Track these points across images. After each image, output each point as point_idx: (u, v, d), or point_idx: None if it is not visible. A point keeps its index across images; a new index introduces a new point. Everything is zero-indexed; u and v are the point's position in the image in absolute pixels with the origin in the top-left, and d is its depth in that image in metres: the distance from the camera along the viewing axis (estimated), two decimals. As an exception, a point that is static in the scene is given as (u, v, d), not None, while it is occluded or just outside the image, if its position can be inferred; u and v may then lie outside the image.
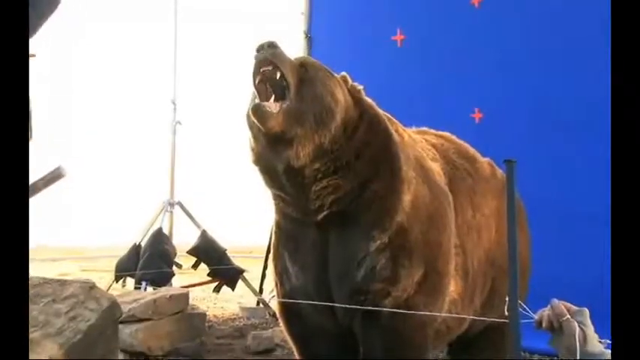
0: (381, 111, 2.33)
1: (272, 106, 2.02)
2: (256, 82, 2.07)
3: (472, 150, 3.05)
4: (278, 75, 2.04)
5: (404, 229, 2.20)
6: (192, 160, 6.15)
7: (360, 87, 2.31)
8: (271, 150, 2.10)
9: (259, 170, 2.24)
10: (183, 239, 5.38)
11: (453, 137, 3.08)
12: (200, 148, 6.48)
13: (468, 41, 4.32)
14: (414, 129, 2.96)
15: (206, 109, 6.43)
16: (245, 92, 2.22)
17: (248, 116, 2.12)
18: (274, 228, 2.41)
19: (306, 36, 5.10)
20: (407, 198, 2.24)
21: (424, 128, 3.10)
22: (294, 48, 4.88)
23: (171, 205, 5.44)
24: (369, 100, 2.32)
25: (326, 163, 2.14)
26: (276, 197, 2.30)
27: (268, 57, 2.03)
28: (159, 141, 5.48)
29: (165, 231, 5.08)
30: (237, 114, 2.24)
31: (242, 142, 2.26)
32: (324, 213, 2.18)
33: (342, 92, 2.19)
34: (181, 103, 5.47)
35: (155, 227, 5.16)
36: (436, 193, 2.41)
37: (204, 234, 5.09)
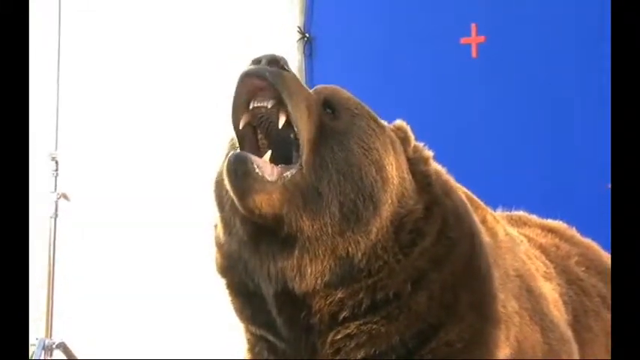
0: (460, 193, 2.25)
1: (265, 166, 1.87)
2: (240, 124, 1.94)
3: (608, 257, 2.86)
4: (282, 120, 1.90)
5: None
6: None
7: (429, 152, 2.20)
8: (255, 250, 1.95)
9: (227, 285, 2.13)
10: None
11: (572, 232, 2.91)
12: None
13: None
14: (502, 213, 2.83)
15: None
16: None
17: (217, 180, 2.04)
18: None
19: (303, 35, 4.82)
20: (504, 352, 2.13)
21: (520, 213, 2.95)
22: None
23: (48, 349, 4.87)
24: (442, 173, 2.22)
25: (356, 294, 1.98)
26: (255, 341, 2.18)
27: (269, 80, 1.87)
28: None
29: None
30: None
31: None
32: None
33: (395, 164, 2.05)
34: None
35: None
36: (553, 340, 2.30)
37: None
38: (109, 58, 5.54)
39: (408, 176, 2.09)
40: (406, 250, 2.02)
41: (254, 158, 1.87)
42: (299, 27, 4.82)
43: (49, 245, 5.01)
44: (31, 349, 4.73)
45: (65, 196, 4.95)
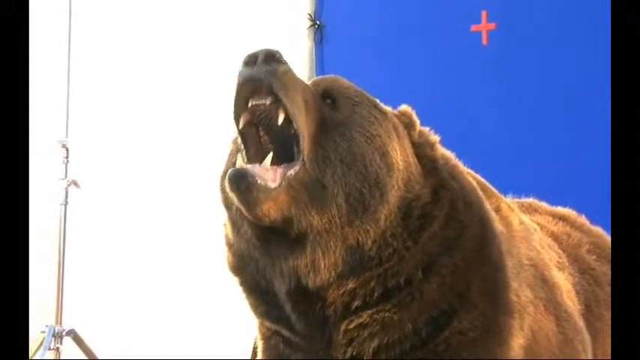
0: (470, 178, 2.22)
1: (267, 175, 1.85)
2: (240, 124, 1.92)
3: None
4: (281, 117, 1.88)
5: None
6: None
7: (435, 137, 2.18)
8: (265, 251, 1.95)
9: (240, 283, 2.12)
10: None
11: (582, 219, 2.90)
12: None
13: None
14: (512, 200, 2.78)
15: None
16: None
17: (223, 187, 2.01)
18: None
19: (313, 22, 4.75)
20: (518, 342, 2.09)
21: (530, 200, 2.93)
22: (292, 45, 4.60)
23: (58, 336, 4.90)
24: (450, 158, 2.20)
25: (368, 282, 1.97)
26: (270, 334, 2.18)
27: (264, 81, 1.87)
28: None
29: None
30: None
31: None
32: None
33: (400, 149, 2.03)
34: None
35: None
36: (568, 330, 2.28)
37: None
38: (119, 45, 5.52)
39: (413, 160, 2.07)
40: (415, 236, 2.00)
41: (253, 170, 1.86)
42: (309, 14, 4.78)
43: (60, 232, 5.01)
44: (41, 337, 4.78)
45: (75, 183, 4.95)
